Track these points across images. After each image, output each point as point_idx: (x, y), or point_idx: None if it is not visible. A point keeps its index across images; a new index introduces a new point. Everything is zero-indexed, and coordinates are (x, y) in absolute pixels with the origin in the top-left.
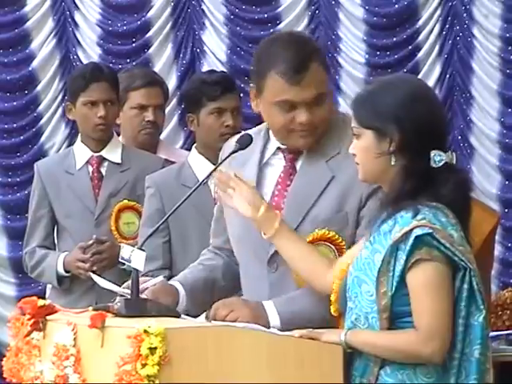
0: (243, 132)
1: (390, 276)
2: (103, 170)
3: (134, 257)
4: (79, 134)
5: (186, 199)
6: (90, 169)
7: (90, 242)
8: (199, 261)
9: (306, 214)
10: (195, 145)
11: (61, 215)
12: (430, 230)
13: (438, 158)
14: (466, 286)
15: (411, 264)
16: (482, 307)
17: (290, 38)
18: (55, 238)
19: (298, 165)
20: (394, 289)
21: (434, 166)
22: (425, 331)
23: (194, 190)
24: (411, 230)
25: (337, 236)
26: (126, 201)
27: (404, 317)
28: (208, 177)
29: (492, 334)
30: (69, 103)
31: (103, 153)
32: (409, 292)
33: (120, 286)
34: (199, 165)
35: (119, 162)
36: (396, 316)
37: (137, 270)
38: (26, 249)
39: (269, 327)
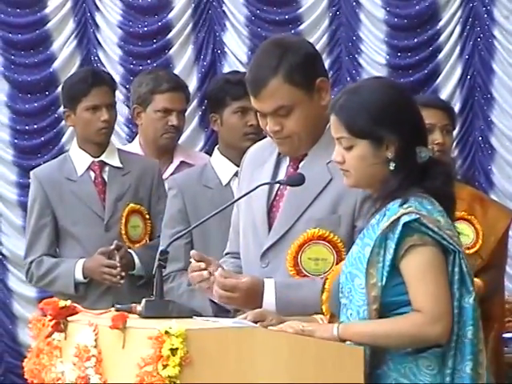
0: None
1: (379, 267)
2: (105, 175)
3: None
4: (74, 140)
5: (209, 218)
6: (93, 174)
7: (112, 246)
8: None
9: (302, 215)
10: (218, 146)
11: (67, 223)
12: (417, 216)
13: (423, 154)
14: (456, 269)
15: (404, 251)
16: (471, 289)
17: (265, 47)
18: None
19: (301, 166)
20: (384, 279)
21: (419, 161)
22: (431, 312)
23: (218, 212)
24: (398, 218)
25: (330, 234)
26: (132, 204)
27: (396, 308)
28: (238, 199)
29: (508, 335)
30: (67, 110)
31: (103, 158)
32: (404, 279)
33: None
34: (222, 166)
35: (120, 166)
36: (387, 308)
37: (160, 271)
38: (29, 258)
39: (261, 306)
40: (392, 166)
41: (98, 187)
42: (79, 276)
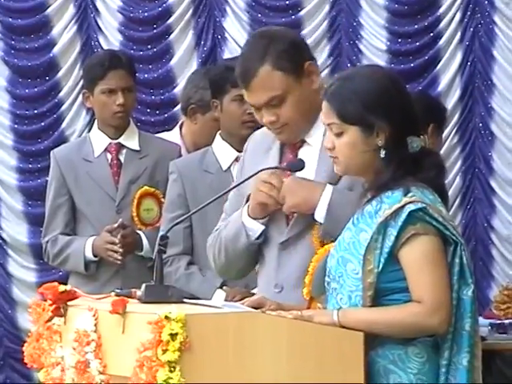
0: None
1: (377, 253)
2: (122, 157)
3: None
4: (95, 121)
5: (210, 202)
6: (109, 156)
7: (116, 224)
8: None
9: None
10: (219, 131)
11: (81, 202)
12: (423, 205)
13: (415, 143)
14: (457, 260)
15: (406, 239)
16: (470, 281)
17: (250, 41)
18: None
19: (302, 152)
20: (381, 266)
21: (411, 151)
22: (430, 302)
23: (219, 197)
24: (403, 206)
25: None
26: (146, 187)
27: (388, 294)
28: (238, 184)
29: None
30: (86, 91)
31: (121, 140)
32: (403, 267)
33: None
34: (222, 151)
35: (138, 148)
36: (380, 294)
37: (160, 256)
38: (46, 237)
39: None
40: (382, 154)
41: (113, 169)
42: (89, 254)
